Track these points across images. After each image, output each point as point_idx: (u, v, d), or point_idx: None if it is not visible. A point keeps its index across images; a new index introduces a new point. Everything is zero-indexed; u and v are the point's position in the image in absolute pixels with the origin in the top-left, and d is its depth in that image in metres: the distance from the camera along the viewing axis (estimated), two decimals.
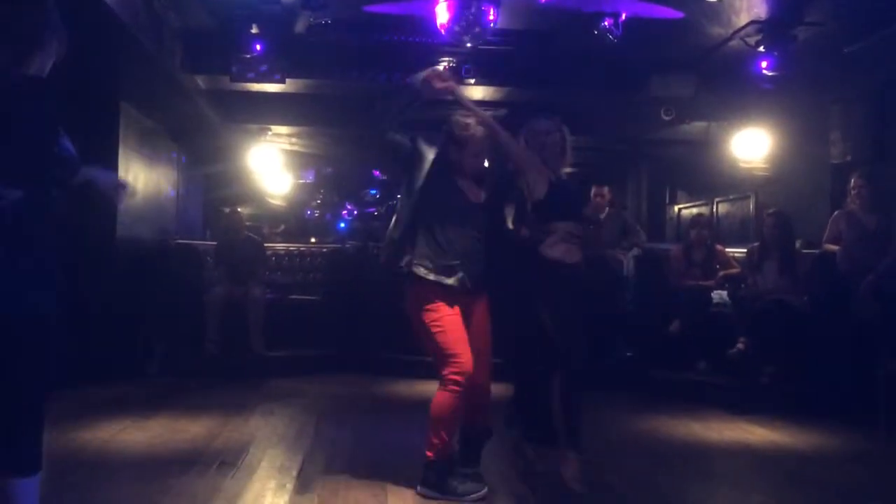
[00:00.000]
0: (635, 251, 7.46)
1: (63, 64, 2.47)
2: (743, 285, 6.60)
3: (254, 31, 6.37)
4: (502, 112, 8.40)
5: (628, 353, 7.12)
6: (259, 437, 4.70)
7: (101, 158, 4.36)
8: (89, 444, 4.30)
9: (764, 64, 6.37)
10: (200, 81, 7.38)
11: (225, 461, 4.06)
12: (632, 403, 6.21)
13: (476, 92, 7.58)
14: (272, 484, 3.72)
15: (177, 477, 3.73)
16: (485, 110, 8.23)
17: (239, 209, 7.99)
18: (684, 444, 4.92)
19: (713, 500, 3.93)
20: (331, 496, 3.54)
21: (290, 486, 3.68)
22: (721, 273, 6.88)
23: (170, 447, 4.41)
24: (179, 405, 5.59)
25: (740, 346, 6.07)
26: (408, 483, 3.70)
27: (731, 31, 6.42)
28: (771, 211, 6.75)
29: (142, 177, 7.66)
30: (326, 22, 6.34)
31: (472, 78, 6.99)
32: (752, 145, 8.09)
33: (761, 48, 6.33)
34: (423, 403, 6.02)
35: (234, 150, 9.57)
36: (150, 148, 7.89)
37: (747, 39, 6.40)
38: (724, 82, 7.34)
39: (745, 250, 6.78)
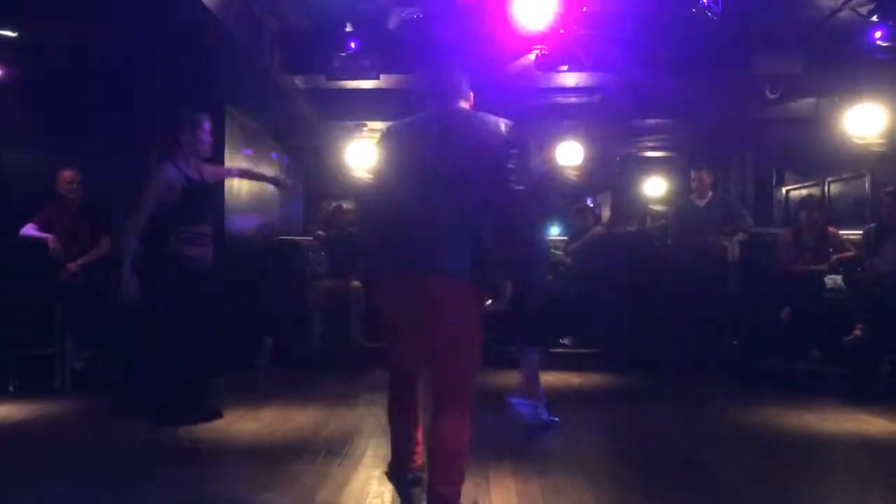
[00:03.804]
0: (740, 236, 7.19)
1: (172, 70, 2.60)
2: (859, 269, 6.29)
3: (348, 29, 6.49)
4: (598, 97, 8.25)
5: (734, 342, 6.91)
6: (363, 427, 4.81)
7: (209, 159, 4.59)
8: (207, 433, 4.50)
9: (878, 34, 6.02)
10: (298, 81, 7.58)
11: (332, 450, 4.18)
12: (741, 394, 6.02)
13: (569, 79, 7.47)
14: (377, 473, 3.78)
15: (287, 465, 3.87)
16: (579, 96, 8.18)
17: (344, 205, 8.16)
18: (799, 436, 4.72)
19: (832, 495, 3.74)
20: None
21: None
22: (835, 257, 6.57)
23: (280, 436, 4.58)
24: (288, 395, 5.80)
25: (857, 332, 5.81)
26: (509, 473, 3.72)
27: (840, 2, 6.08)
28: (889, 189, 6.40)
29: None
30: (418, 16, 6.39)
31: (565, 65, 6.87)
32: (866, 121, 7.64)
33: (874, 18, 5.99)
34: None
35: (332, 146, 9.78)
36: (254, 147, 8.18)
37: (859, 9, 6.06)
38: (833, 56, 6.93)
39: (860, 232, 6.46)
